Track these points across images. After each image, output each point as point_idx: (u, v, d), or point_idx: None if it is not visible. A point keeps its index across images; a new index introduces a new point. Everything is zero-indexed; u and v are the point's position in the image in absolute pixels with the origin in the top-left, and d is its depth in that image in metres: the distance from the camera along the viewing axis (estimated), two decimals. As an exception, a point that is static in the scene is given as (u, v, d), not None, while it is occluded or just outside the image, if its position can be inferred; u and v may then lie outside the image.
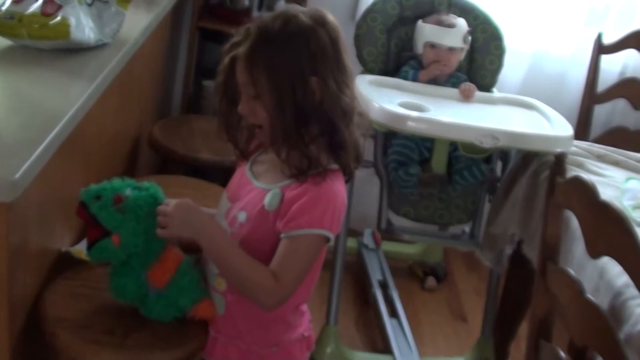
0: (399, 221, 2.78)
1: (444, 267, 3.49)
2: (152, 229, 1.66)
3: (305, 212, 1.59)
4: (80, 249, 1.92)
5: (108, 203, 1.65)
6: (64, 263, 1.87)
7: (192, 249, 1.72)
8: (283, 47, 1.56)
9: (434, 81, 2.74)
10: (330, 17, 1.62)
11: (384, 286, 3.17)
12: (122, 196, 1.65)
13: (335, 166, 1.64)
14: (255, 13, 3.23)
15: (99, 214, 1.64)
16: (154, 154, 2.84)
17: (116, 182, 1.70)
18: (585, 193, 1.67)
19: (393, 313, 3.01)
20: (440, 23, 2.72)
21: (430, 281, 3.40)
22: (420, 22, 2.76)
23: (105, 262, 1.70)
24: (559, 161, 1.87)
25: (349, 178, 1.69)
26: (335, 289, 2.73)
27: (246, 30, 1.61)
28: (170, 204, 1.65)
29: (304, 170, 1.60)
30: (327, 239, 1.63)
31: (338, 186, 1.64)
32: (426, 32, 2.73)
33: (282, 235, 1.61)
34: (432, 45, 2.72)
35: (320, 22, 1.59)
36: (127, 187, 1.68)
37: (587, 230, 1.68)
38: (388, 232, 2.75)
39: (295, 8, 1.63)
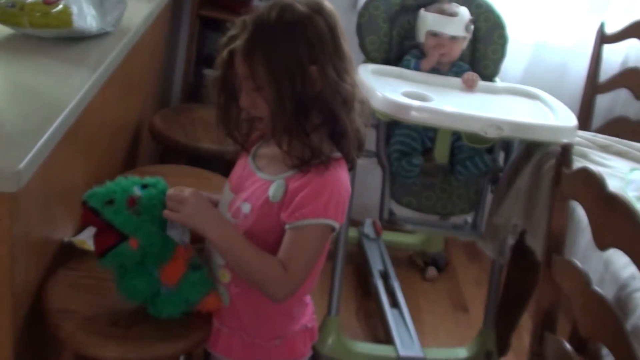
0: (400, 211, 2.77)
1: (444, 257, 3.48)
2: (166, 226, 1.61)
3: (309, 202, 1.57)
4: (83, 239, 1.91)
5: (122, 207, 1.56)
6: (67, 253, 1.86)
7: (194, 240, 1.71)
8: (280, 37, 1.54)
9: (437, 70, 2.73)
10: (327, 4, 1.60)
11: (385, 276, 3.16)
12: (135, 197, 1.58)
13: (338, 154, 1.63)
14: (255, 1, 3.21)
15: (114, 220, 1.56)
16: (155, 143, 2.82)
17: (122, 181, 1.61)
18: (592, 184, 1.66)
19: (394, 303, 3.00)
20: (443, 12, 2.71)
21: (431, 271, 3.39)
22: (422, 11, 2.74)
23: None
24: (565, 152, 1.86)
25: (351, 166, 1.67)
26: (337, 280, 2.71)
27: (242, 23, 1.59)
28: (185, 190, 1.61)
29: (306, 161, 1.58)
30: (333, 229, 1.61)
31: (342, 174, 1.62)
32: (428, 20, 2.71)
33: (287, 227, 1.59)
34: (434, 34, 2.70)
35: (316, 9, 1.57)
36: (135, 186, 1.60)
37: (595, 222, 1.67)
38: (390, 222, 2.74)
39: None
